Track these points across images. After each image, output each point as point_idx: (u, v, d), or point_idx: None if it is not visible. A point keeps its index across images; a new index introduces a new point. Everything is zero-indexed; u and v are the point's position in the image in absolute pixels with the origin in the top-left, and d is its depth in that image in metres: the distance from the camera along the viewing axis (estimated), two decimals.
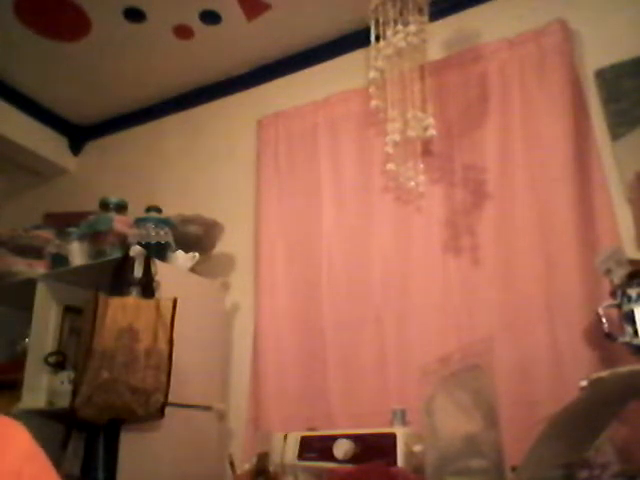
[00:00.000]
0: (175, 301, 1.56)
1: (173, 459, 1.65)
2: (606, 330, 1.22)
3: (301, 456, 1.39)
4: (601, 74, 1.65)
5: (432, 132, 1.39)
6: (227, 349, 1.99)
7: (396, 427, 1.39)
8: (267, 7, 2.02)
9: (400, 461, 1.32)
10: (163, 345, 1.50)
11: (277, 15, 2.05)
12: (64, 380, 1.72)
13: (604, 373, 1.02)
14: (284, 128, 2.11)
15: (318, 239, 1.91)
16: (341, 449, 1.33)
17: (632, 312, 1.18)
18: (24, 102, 2.45)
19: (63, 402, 1.66)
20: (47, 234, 2.03)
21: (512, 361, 1.51)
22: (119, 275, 1.64)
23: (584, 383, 1.01)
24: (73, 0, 1.98)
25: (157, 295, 1.60)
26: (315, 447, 1.37)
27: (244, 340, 1.97)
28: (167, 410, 1.52)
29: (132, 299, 1.56)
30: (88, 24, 2.08)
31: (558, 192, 1.57)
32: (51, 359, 1.83)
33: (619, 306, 1.21)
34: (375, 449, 1.34)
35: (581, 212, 1.54)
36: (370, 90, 1.40)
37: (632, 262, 1.25)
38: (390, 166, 1.42)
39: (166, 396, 1.51)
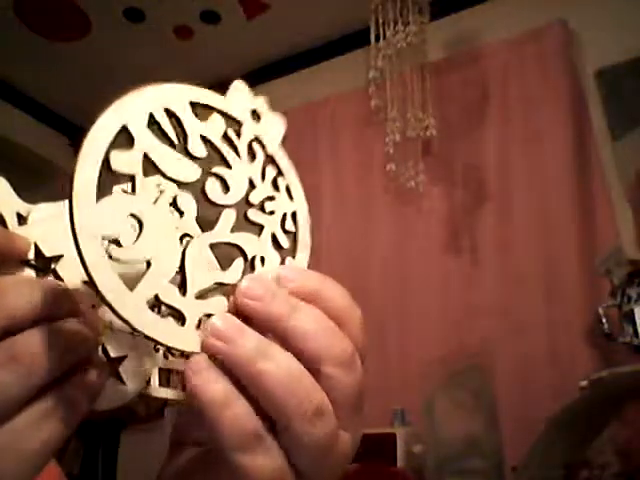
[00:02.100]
0: None
1: None
2: (606, 330, 1.22)
3: None
4: (601, 74, 1.65)
5: (432, 132, 1.39)
6: None
7: (396, 427, 1.39)
8: (267, 7, 2.02)
9: (400, 461, 1.32)
10: None
11: (277, 15, 2.05)
12: None
13: (604, 373, 1.02)
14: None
15: (318, 239, 1.90)
16: None
17: (632, 312, 1.18)
18: (24, 101, 2.45)
19: None
20: None
21: (512, 361, 1.51)
22: None
23: (584, 383, 1.01)
24: (73, 0, 1.98)
25: None
26: None
27: None
28: (167, 410, 1.52)
29: None
30: (88, 24, 2.08)
31: (558, 192, 1.57)
32: None
33: (619, 306, 1.21)
34: (375, 449, 1.34)
35: (581, 212, 1.54)
36: (370, 90, 1.40)
37: (632, 262, 1.25)
38: (390, 166, 1.42)
39: None
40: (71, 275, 0.25)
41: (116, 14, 2.04)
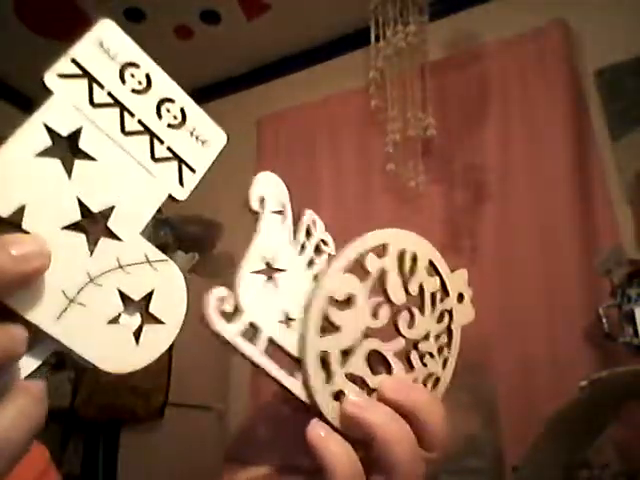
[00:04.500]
0: None
1: (173, 459, 1.65)
2: (606, 330, 1.22)
3: None
4: (601, 74, 1.64)
5: (432, 132, 1.39)
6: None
7: None
8: (267, 7, 2.02)
9: None
10: None
11: (277, 15, 2.05)
12: (64, 380, 1.72)
13: (604, 373, 1.02)
14: (284, 128, 2.11)
15: None
16: None
17: (632, 312, 1.18)
18: (24, 102, 2.45)
19: (63, 402, 1.66)
20: None
21: (512, 361, 1.51)
22: None
23: (584, 383, 1.01)
24: (73, 0, 1.98)
25: None
26: None
27: None
28: (167, 410, 1.52)
29: None
30: (88, 24, 2.08)
31: (558, 192, 1.57)
32: (51, 359, 1.83)
33: (619, 306, 1.21)
34: None
35: (581, 212, 1.54)
36: (370, 90, 1.39)
37: (632, 262, 1.25)
38: (390, 166, 1.42)
39: (166, 396, 1.51)
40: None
41: (116, 14, 2.03)
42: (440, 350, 0.32)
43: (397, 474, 0.28)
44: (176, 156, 0.26)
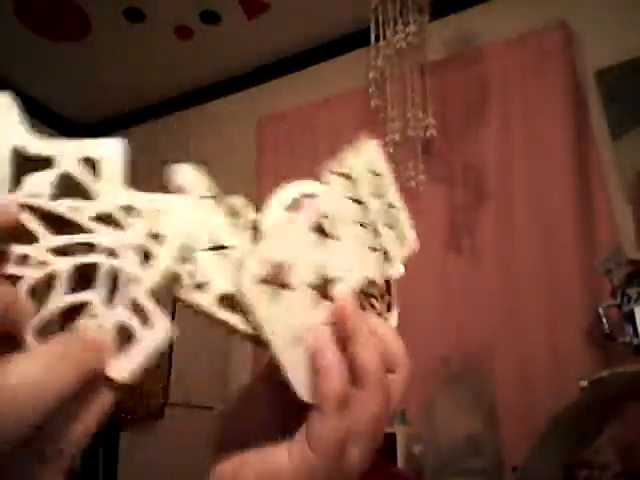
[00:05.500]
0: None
1: (173, 459, 1.65)
2: (606, 330, 1.22)
3: None
4: (601, 74, 1.65)
5: (432, 132, 1.39)
6: (228, 349, 1.99)
7: (396, 427, 1.39)
8: (267, 7, 2.02)
9: (400, 461, 1.32)
10: None
11: (277, 15, 2.05)
12: None
13: (604, 373, 1.02)
14: (284, 128, 2.11)
15: None
16: None
17: (632, 312, 1.18)
18: (23, 101, 2.45)
19: None
20: None
21: (512, 361, 1.51)
22: None
23: (584, 383, 1.01)
24: (73, 0, 1.98)
25: None
26: None
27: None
28: (167, 410, 1.52)
29: None
30: (88, 24, 2.08)
31: (558, 192, 1.57)
32: None
33: (619, 306, 1.21)
34: (375, 449, 1.33)
35: (581, 212, 1.54)
36: (370, 90, 1.39)
37: (632, 262, 1.25)
38: (390, 166, 1.42)
39: (166, 396, 1.51)
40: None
41: (116, 14, 2.04)
42: (382, 295, 0.36)
43: (368, 381, 0.29)
44: (382, 249, 0.35)
